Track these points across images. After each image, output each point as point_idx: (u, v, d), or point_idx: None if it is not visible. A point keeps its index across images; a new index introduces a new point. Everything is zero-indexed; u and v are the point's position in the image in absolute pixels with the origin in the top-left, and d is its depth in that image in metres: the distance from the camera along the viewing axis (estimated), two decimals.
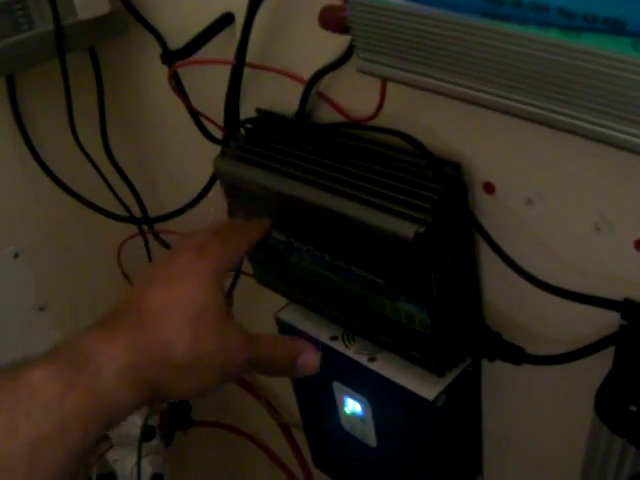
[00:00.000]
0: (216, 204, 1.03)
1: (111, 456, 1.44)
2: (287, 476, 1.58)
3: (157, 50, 1.02)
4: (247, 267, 1.07)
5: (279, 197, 0.85)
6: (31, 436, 0.52)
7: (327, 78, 0.85)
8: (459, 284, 0.82)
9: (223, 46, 0.94)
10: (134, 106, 1.27)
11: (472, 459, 1.04)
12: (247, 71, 0.91)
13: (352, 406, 1.01)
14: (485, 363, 0.92)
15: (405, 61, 0.65)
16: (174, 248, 0.76)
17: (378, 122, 0.81)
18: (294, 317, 1.03)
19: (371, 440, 1.02)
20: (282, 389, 1.40)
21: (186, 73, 1.00)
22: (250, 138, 0.93)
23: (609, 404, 0.69)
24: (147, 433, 1.38)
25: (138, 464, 1.38)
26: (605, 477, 0.72)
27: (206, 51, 0.96)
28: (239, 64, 0.90)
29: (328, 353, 0.96)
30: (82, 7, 1.01)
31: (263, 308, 1.12)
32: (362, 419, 1.01)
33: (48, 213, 1.30)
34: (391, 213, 0.75)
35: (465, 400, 0.95)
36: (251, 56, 0.90)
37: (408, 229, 0.73)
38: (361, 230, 0.78)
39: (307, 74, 0.86)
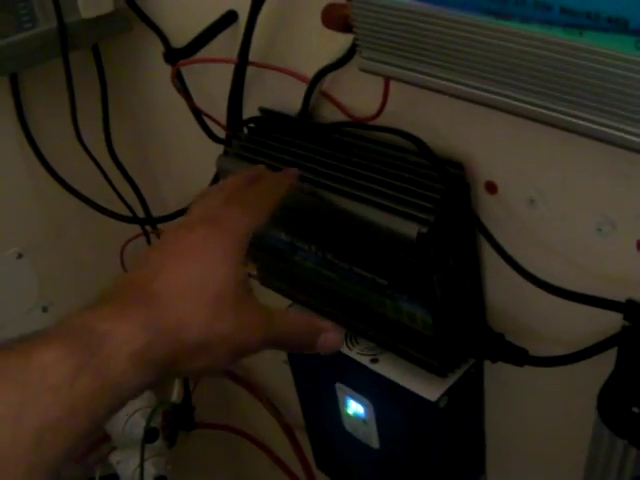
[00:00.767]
0: None
1: (114, 458, 1.44)
2: (289, 478, 1.58)
3: (160, 49, 1.02)
4: (249, 268, 1.06)
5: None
6: (38, 421, 0.50)
7: (330, 77, 0.85)
8: (461, 284, 0.82)
9: (226, 45, 0.94)
10: (137, 105, 1.27)
11: (475, 460, 1.04)
12: (250, 70, 0.92)
13: (355, 407, 1.01)
14: (488, 364, 0.91)
15: (408, 60, 0.64)
16: (187, 220, 0.70)
17: (381, 121, 0.80)
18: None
19: (374, 442, 1.02)
20: (285, 390, 1.39)
21: (189, 72, 1.00)
22: (253, 137, 0.93)
23: (611, 405, 0.69)
24: (150, 435, 1.38)
25: (141, 466, 1.38)
26: (607, 479, 0.72)
27: (209, 50, 0.96)
28: (242, 63, 0.90)
29: (331, 354, 0.96)
30: (85, 6, 1.01)
31: None
32: (365, 420, 1.00)
33: (51, 213, 1.30)
34: (393, 212, 0.75)
35: (468, 401, 0.94)
36: (254, 55, 0.90)
37: (411, 229, 0.73)
38: (363, 230, 0.78)
39: (310, 73, 0.86)
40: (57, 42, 1.03)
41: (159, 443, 1.41)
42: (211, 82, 1.00)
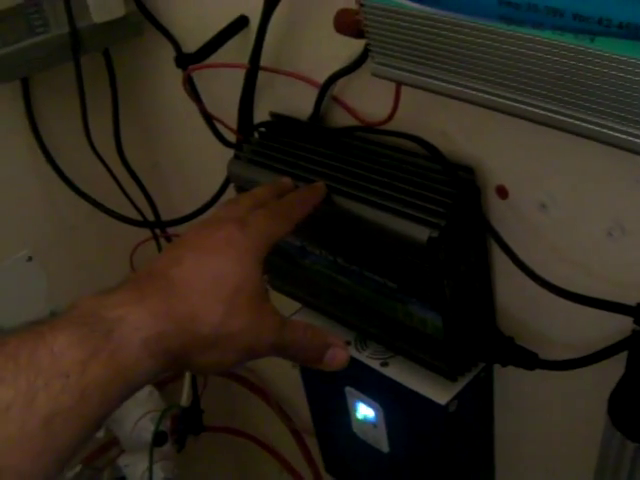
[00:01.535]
0: None
1: (122, 461, 1.44)
2: None
3: (171, 53, 1.02)
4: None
5: None
6: (48, 407, 0.50)
7: (341, 82, 0.86)
8: (472, 288, 0.82)
9: (237, 49, 0.94)
10: (148, 109, 1.27)
11: (484, 464, 1.04)
12: (261, 75, 0.92)
13: (364, 411, 1.01)
14: (498, 368, 0.91)
15: (419, 65, 0.65)
16: (217, 217, 0.72)
17: (392, 126, 0.81)
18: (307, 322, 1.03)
19: (383, 445, 1.02)
20: (294, 394, 1.40)
21: (200, 77, 1.01)
22: (264, 142, 0.93)
23: (622, 409, 0.69)
24: (159, 438, 1.38)
25: (150, 469, 1.38)
26: None
27: (220, 54, 0.96)
28: (253, 68, 0.90)
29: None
30: (97, 10, 1.01)
31: None
32: (374, 424, 1.00)
33: (61, 216, 1.30)
34: (405, 217, 0.75)
35: (477, 405, 0.95)
36: (265, 60, 0.90)
37: (422, 233, 0.73)
38: (374, 234, 0.78)
39: (321, 78, 0.86)
40: (68, 47, 1.03)
41: (168, 447, 1.41)
42: (222, 87, 1.00)
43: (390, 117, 0.79)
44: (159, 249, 1.34)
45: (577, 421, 0.88)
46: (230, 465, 1.85)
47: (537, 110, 0.58)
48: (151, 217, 1.30)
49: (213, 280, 0.62)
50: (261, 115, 0.97)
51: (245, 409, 1.66)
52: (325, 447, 1.22)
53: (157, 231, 1.32)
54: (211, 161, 1.07)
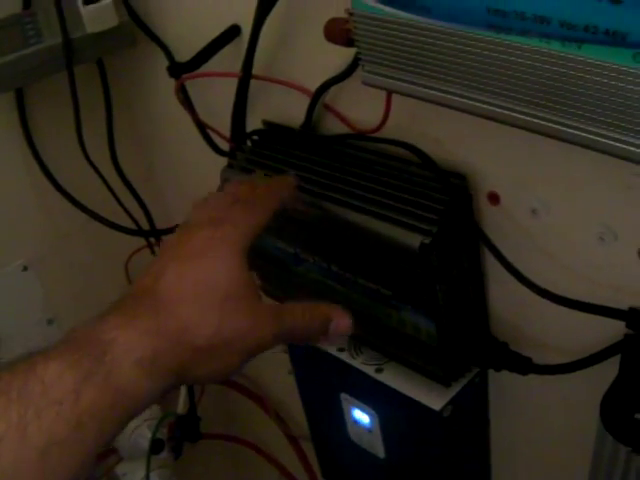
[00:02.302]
0: None
1: (120, 469, 1.44)
2: None
3: (164, 63, 1.02)
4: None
5: (285, 208, 0.85)
6: (42, 439, 0.49)
7: (333, 90, 0.86)
8: (465, 294, 0.82)
9: (230, 58, 0.94)
10: (141, 118, 1.28)
11: (479, 469, 1.04)
12: (253, 83, 0.92)
13: (360, 417, 1.01)
14: (492, 373, 0.92)
15: (409, 73, 0.65)
16: (189, 222, 0.69)
17: (384, 133, 0.81)
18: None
19: (379, 451, 1.02)
20: (290, 401, 1.40)
21: (193, 85, 1.01)
22: (256, 150, 0.93)
23: (614, 413, 0.69)
24: (156, 446, 1.37)
25: (147, 477, 1.38)
26: None
27: (213, 63, 0.96)
28: (245, 76, 0.90)
29: (335, 364, 0.96)
30: (90, 20, 1.01)
31: None
32: (370, 430, 1.01)
33: (56, 226, 1.30)
34: (397, 224, 0.75)
35: (472, 410, 0.95)
36: (257, 68, 0.90)
37: (414, 239, 0.73)
38: (367, 241, 0.78)
39: (313, 86, 0.86)
40: (62, 57, 1.04)
41: (165, 454, 1.40)
42: (215, 95, 1.00)
43: (381, 125, 0.80)
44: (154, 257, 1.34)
45: (571, 425, 0.88)
46: (227, 472, 1.84)
47: (526, 117, 0.59)
48: (146, 226, 1.30)
49: (199, 288, 0.61)
50: (254, 123, 0.97)
51: (241, 416, 1.67)
52: (321, 453, 1.22)
53: (152, 240, 1.32)
54: (205, 169, 1.07)
